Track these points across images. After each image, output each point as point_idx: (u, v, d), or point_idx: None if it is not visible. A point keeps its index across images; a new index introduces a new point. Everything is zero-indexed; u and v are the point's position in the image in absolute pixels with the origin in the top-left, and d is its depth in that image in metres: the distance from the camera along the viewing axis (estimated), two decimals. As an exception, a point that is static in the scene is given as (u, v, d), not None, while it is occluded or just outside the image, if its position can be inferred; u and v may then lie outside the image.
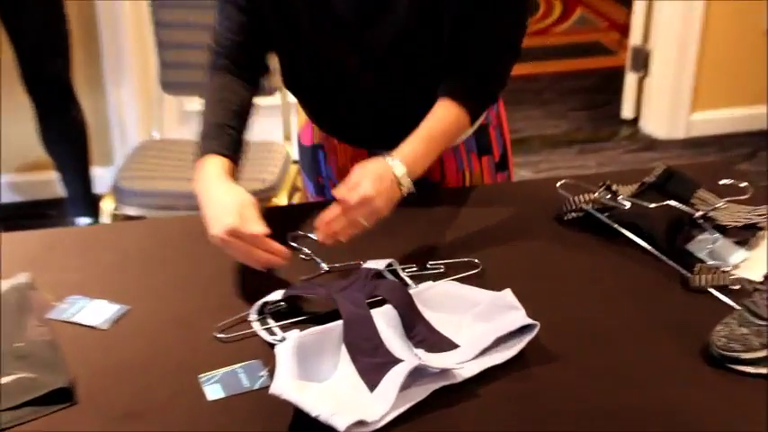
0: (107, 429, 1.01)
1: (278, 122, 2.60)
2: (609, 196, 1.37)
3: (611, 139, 3.50)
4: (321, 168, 1.57)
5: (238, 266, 1.28)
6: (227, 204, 1.20)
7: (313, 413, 0.97)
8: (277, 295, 1.20)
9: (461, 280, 1.25)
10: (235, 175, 1.29)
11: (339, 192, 1.22)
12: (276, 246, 1.21)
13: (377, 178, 1.23)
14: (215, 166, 1.26)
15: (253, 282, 1.26)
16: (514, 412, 1.03)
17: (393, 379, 1.02)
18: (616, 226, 1.36)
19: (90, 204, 2.68)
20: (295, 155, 2.75)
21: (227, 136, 1.30)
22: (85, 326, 1.18)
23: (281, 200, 2.37)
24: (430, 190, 1.47)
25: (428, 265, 1.29)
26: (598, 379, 1.08)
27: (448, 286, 1.21)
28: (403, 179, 1.26)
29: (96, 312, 1.20)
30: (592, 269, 1.30)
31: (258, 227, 1.18)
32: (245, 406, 1.04)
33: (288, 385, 1.00)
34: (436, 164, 1.43)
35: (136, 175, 2.35)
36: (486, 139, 1.53)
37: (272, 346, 1.11)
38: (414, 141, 1.30)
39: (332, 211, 1.22)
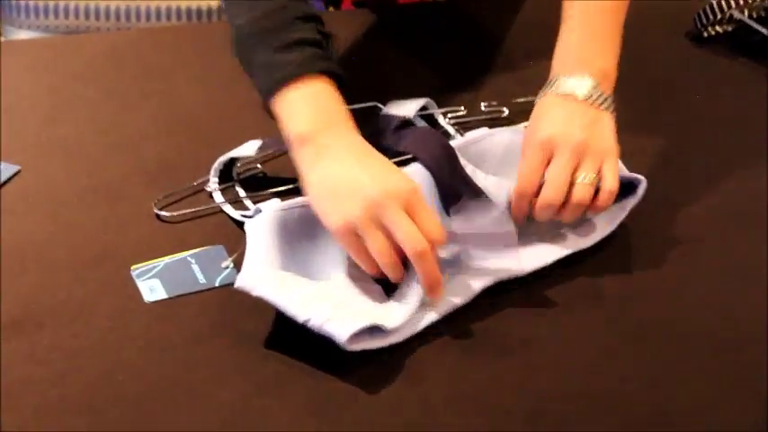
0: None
1: None
2: (778, -3, 1.37)
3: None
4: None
5: (196, 108, 1.32)
6: (387, 165, 1.10)
7: (300, 318, 1.00)
8: (249, 149, 1.22)
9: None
10: None
11: (523, 187, 1.13)
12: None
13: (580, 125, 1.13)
14: (334, 101, 1.13)
15: (214, 131, 1.30)
16: (604, 330, 1.06)
17: None
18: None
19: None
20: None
21: (318, 35, 1.16)
22: (-46, 194, 1.21)
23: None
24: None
25: (483, 107, 1.31)
26: (736, 277, 1.11)
27: (510, 137, 1.22)
28: (605, 101, 1.17)
29: (-30, 174, 1.23)
30: (743, 110, 1.33)
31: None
32: (199, 311, 1.07)
33: (262, 277, 1.03)
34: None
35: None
36: None
37: (241, 225, 1.14)
38: (582, 29, 1.21)
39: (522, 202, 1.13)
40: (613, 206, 1.13)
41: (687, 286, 1.10)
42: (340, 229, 1.05)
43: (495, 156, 1.20)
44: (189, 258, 1.13)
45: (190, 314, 1.07)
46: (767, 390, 0.99)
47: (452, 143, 1.20)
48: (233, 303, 1.05)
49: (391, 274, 1.05)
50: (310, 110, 1.11)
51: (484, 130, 1.23)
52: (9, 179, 1.23)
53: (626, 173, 1.14)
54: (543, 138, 1.13)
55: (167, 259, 1.13)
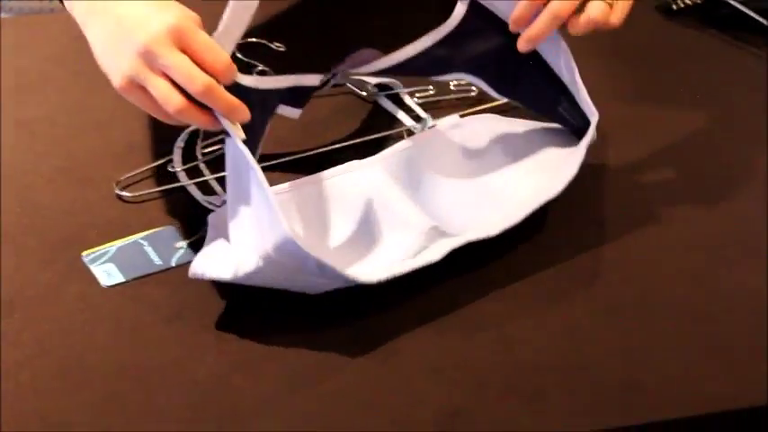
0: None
1: None
2: (752, -32, 1.38)
3: None
4: None
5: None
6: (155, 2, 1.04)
7: (252, 266, 0.99)
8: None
9: (511, 112, 1.27)
10: None
11: None
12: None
13: None
14: None
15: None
16: (578, 303, 1.07)
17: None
18: (760, 18, 1.37)
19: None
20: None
21: None
22: None
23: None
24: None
25: (452, 86, 1.31)
26: (709, 249, 1.12)
27: (487, 123, 1.22)
28: None
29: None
30: (711, 82, 1.33)
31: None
32: (169, 292, 1.08)
33: (211, 259, 1.03)
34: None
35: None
36: None
37: (203, 207, 1.15)
38: None
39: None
40: (569, 145, 1.15)
41: (660, 259, 1.11)
42: (123, 88, 1.01)
43: (475, 145, 1.20)
44: (141, 241, 1.13)
45: (159, 294, 1.07)
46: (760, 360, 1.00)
47: (420, 135, 1.20)
48: (202, 282, 1.05)
49: (186, 120, 0.99)
50: None
51: (453, 118, 1.23)
52: (-26, 161, 1.23)
53: (587, 98, 1.13)
54: None
55: (119, 243, 1.13)
